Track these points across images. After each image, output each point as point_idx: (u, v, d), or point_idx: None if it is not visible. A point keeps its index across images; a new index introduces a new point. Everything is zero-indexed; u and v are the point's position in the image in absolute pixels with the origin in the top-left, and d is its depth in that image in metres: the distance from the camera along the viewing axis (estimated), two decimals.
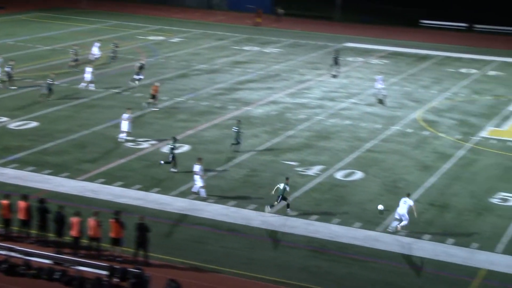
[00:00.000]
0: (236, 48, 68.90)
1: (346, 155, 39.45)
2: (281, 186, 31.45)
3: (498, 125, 46.18)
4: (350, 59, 65.87)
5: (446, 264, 27.47)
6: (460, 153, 40.47)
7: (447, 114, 48.33)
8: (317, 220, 30.95)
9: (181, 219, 30.61)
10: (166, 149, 37.42)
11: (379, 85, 51.04)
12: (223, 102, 49.23)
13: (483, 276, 26.66)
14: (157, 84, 47.51)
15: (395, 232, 29.86)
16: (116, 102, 47.65)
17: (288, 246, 28.55)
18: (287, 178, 32.04)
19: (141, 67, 52.51)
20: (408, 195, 30.28)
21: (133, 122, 40.21)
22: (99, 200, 31.84)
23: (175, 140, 36.46)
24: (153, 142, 39.86)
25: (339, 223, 30.70)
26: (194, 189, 32.83)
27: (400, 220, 29.89)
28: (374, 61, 65.24)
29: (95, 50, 58.43)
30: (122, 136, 39.72)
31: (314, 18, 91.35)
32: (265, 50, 68.56)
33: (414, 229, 30.21)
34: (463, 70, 62.60)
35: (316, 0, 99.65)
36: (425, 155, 39.99)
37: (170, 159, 35.64)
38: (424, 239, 29.45)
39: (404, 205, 29.76)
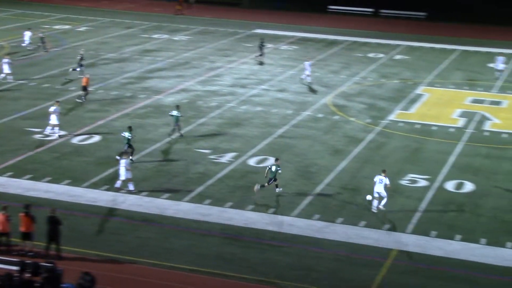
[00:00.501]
0: (145, 36, 68.18)
1: (258, 141, 39.63)
2: (273, 168, 31.95)
3: (405, 108, 47.20)
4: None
5: (359, 246, 27.96)
6: (370, 136, 41.20)
7: (357, 99, 49.11)
8: (231, 207, 31.01)
9: (93, 210, 30.17)
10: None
11: (307, 71, 51.58)
12: (133, 91, 48.70)
13: (394, 256, 27.26)
14: (87, 75, 46.66)
15: (378, 212, 30.63)
16: (23, 94, 46.53)
17: (203, 234, 28.52)
18: (277, 159, 32.75)
19: (82, 58, 51.71)
20: (384, 172, 31.14)
21: (58, 114, 39.09)
22: (7, 194, 31.07)
23: (130, 129, 36.09)
24: (63, 133, 39.07)
25: (253, 210, 30.84)
26: (117, 185, 32.14)
27: (380, 198, 30.70)
28: (284, 47, 65.67)
29: (27, 38, 57.85)
30: (51, 130, 38.66)
31: (223, 5, 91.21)
32: (174, 38, 68.10)
33: (326, 213, 30.64)
34: (371, 55, 63.70)
35: None
36: (336, 139, 40.55)
37: (126, 148, 35.37)
38: (337, 223, 29.88)
39: (380, 184, 30.75)
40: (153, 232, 28.47)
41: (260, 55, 59.72)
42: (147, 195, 31.84)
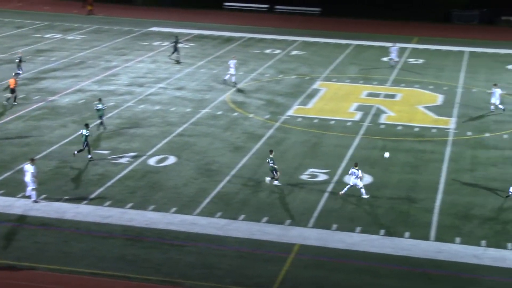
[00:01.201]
0: (37, 36, 66.63)
1: (158, 140, 39.37)
2: (271, 162, 33.44)
3: (303, 103, 47.82)
4: (156, 43, 65.70)
5: (262, 242, 28.18)
6: (270, 132, 41.56)
7: (255, 95, 49.43)
8: (132, 208, 30.72)
9: None
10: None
11: (231, 69, 51.29)
12: (27, 92, 47.54)
13: (297, 250, 27.61)
14: (14, 77, 45.37)
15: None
16: None
17: (104, 237, 28.13)
18: (270, 151, 33.90)
19: (20, 61, 50.09)
20: (356, 165, 32.15)
21: None
22: None
23: (87, 126, 35.94)
24: None
25: (154, 210, 30.64)
26: (28, 193, 31.22)
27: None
28: (181, 45, 65.36)
29: None
30: None
31: (117, 3, 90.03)
32: (68, 37, 66.82)
33: (229, 210, 30.75)
34: (268, 51, 64.23)
35: None
36: (236, 136, 40.72)
37: (84, 146, 35.44)
38: (239, 220, 30.03)
39: (353, 176, 32.11)
40: (52, 237, 27.89)
41: (174, 52, 59.07)
42: (45, 199, 31.14)
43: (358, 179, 32.19)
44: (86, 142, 35.73)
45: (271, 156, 33.79)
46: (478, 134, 41.83)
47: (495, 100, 46.09)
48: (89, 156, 35.88)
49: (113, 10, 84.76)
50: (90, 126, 37.57)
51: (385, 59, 61.23)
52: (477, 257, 27.38)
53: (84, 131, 35.79)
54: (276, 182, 33.67)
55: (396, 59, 59.45)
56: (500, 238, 28.99)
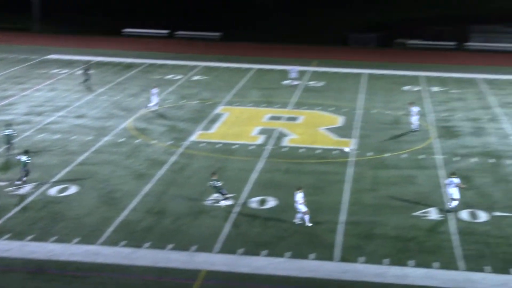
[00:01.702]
0: None
1: (58, 170, 38.63)
2: (214, 183, 33.88)
3: (206, 128, 47.89)
4: (54, 71, 64.68)
5: (167, 269, 27.96)
6: (173, 158, 41.41)
7: (157, 121, 49.20)
8: (32, 240, 29.98)
9: None
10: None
11: (154, 98, 51.11)
12: None
13: (203, 277, 27.51)
14: None
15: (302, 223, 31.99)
16: None
17: (3, 271, 27.33)
18: (213, 173, 34.26)
19: None
20: (299, 189, 32.09)
21: None
22: None
23: (27, 152, 36.51)
24: None
25: (56, 241, 30.00)
26: None
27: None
28: (80, 72, 64.56)
29: None
30: None
31: (11, 30, 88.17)
32: None
33: (133, 238, 30.42)
34: (169, 77, 64.13)
35: (11, 11, 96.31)
36: (139, 163, 40.38)
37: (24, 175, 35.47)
38: (144, 248, 29.73)
39: (297, 201, 32.10)
40: None
41: (86, 80, 58.26)
42: None
43: (301, 204, 32.18)
44: (25, 170, 35.80)
45: (213, 178, 34.08)
46: (379, 154, 42.81)
47: (414, 118, 47.38)
48: (24, 180, 35.93)
49: (8, 37, 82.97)
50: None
51: (286, 82, 62.09)
52: (380, 276, 27.93)
53: (23, 158, 35.80)
54: (227, 202, 34.18)
55: (295, 82, 60.51)
56: (402, 255, 29.66)
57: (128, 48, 78.60)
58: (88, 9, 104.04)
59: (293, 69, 61.39)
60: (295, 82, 61.35)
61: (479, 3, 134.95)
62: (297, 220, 32.34)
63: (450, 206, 34.03)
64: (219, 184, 34.41)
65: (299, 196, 32.18)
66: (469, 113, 53.22)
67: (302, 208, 32.15)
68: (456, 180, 33.95)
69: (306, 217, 32.12)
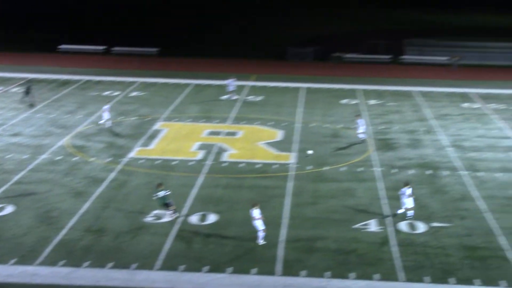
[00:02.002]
0: None
1: None
2: (160, 194, 33.45)
3: (145, 145, 47.60)
4: None
5: None
6: (112, 175, 41.02)
7: (95, 138, 48.71)
8: None
9: None
10: None
11: (105, 115, 50.54)
12: None
13: None
14: None
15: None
16: None
17: None
18: (159, 184, 34.17)
19: None
20: (255, 205, 31.69)
21: None
22: None
23: None
24: None
25: None
26: None
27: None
28: (15, 89, 63.62)
29: None
30: None
31: None
32: None
33: (72, 257, 30.01)
34: (106, 93, 63.60)
35: None
36: (77, 181, 39.89)
37: None
38: (83, 267, 29.35)
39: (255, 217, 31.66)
40: None
41: (26, 97, 57.34)
42: None
43: (258, 220, 31.94)
44: None
45: (159, 189, 33.98)
46: (318, 168, 43.13)
47: (361, 130, 48.29)
48: None
49: None
50: None
51: (224, 97, 62.19)
52: None
53: None
54: (173, 214, 34.19)
55: (235, 97, 60.79)
56: (343, 268, 29.90)
57: (64, 65, 77.73)
58: (24, 26, 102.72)
59: (231, 82, 61.80)
60: (235, 96, 61.53)
61: (413, 17, 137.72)
62: (260, 241, 32.03)
63: (408, 215, 34.93)
64: (168, 192, 34.17)
65: (256, 213, 31.91)
66: (405, 125, 54.07)
67: (260, 225, 31.85)
68: (409, 191, 34.83)
69: (261, 235, 31.92)
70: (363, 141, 48.46)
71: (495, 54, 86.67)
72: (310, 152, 41.45)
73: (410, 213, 34.99)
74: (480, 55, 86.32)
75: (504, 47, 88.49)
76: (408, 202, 34.84)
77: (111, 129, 50.69)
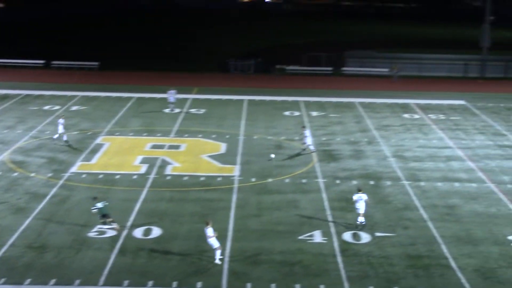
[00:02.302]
0: None
1: None
2: (99, 205, 33.87)
3: (87, 159, 47.04)
4: None
5: None
6: (53, 191, 40.44)
7: (36, 153, 47.99)
8: None
9: None
10: None
11: (60, 127, 50.15)
12: None
13: None
14: None
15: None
16: None
17: None
18: (95, 198, 34.72)
19: None
20: (208, 223, 31.14)
21: None
22: None
23: None
24: None
25: None
26: None
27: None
28: None
29: None
30: None
31: None
32: None
33: (12, 275, 29.45)
34: (46, 107, 62.76)
35: None
36: (18, 197, 39.22)
37: None
38: (25, 284, 28.84)
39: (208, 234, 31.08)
40: None
41: None
42: None
43: (212, 238, 31.52)
44: None
45: (97, 204, 34.03)
46: (262, 180, 43.22)
47: (308, 140, 49.01)
48: None
49: None
50: None
51: (167, 110, 61.95)
52: None
53: None
54: (114, 227, 33.99)
55: (177, 110, 61.29)
56: (288, 279, 29.98)
57: (3, 79, 76.48)
58: None
59: (171, 93, 62.16)
60: (176, 110, 61.42)
61: (352, 29, 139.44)
62: (217, 259, 31.63)
63: (360, 222, 35.55)
64: (106, 203, 33.89)
65: (210, 231, 31.51)
66: (348, 136, 54.58)
67: (215, 243, 31.47)
68: (364, 196, 35.66)
69: (217, 253, 31.59)
70: (312, 152, 49.00)
71: (432, 66, 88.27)
72: (272, 156, 42.78)
73: (362, 219, 35.71)
74: (418, 66, 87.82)
75: (441, 59, 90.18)
76: (362, 207, 35.55)
77: (67, 143, 50.15)
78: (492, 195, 41.37)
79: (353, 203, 36.07)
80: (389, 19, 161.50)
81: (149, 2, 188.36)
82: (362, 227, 35.47)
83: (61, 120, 50.93)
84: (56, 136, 50.87)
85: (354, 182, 42.92)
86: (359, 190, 36.25)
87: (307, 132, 49.41)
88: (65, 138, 50.63)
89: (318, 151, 49.69)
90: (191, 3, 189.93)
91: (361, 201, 35.60)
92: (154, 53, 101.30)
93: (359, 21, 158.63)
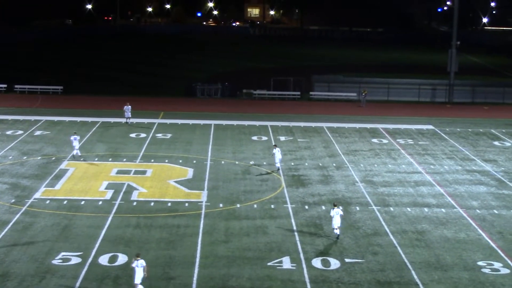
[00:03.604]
0: None
1: None
2: None
3: (51, 185, 46.65)
4: None
5: None
6: (16, 217, 40.00)
7: None
8: None
9: None
10: None
11: (75, 144, 53.30)
12: None
13: None
14: None
15: None
16: None
17: None
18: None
19: None
20: (138, 255, 30.56)
21: None
22: None
23: None
24: None
25: None
26: None
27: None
28: None
29: None
30: None
31: None
32: None
33: None
34: (9, 132, 62.20)
35: None
36: None
37: None
38: None
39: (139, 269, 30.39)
40: None
41: None
42: None
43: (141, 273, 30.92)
44: None
45: None
46: (230, 206, 43.17)
47: (277, 159, 50.67)
48: None
49: None
50: None
51: (133, 135, 61.75)
52: None
53: None
54: None
55: (130, 121, 65.92)
56: None
57: None
58: None
59: (127, 108, 66.03)
60: (130, 121, 65.74)
61: (319, 54, 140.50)
62: None
63: (337, 234, 37.57)
64: None
65: (140, 263, 30.87)
66: (316, 161, 54.80)
67: (137, 278, 30.74)
68: (340, 211, 37.72)
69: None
70: (278, 170, 50.34)
71: (400, 90, 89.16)
72: (251, 162, 43.61)
73: (338, 232, 37.57)
74: (386, 91, 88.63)
75: (409, 83, 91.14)
76: (338, 221, 37.41)
77: (79, 158, 52.87)
78: (461, 220, 41.74)
79: (320, 229, 36.15)
80: (357, 44, 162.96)
81: (115, 27, 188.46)
82: (337, 238, 37.37)
83: (74, 137, 53.62)
84: (75, 152, 53.40)
85: (323, 207, 43.05)
86: (334, 205, 37.84)
87: (277, 151, 50.77)
88: (79, 153, 53.65)
89: (287, 176, 49.80)
90: (155, 28, 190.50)
91: (337, 215, 37.38)
92: (120, 78, 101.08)
93: (327, 46, 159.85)
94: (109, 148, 57.51)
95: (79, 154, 53.44)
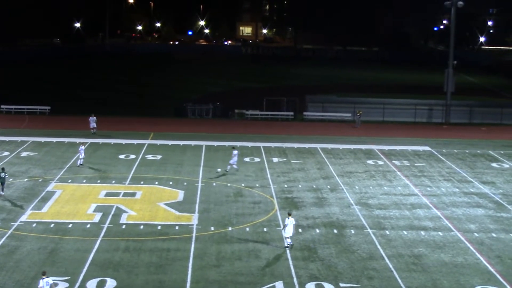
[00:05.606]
0: None
1: None
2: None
3: (38, 208, 46.56)
4: None
5: None
6: (1, 241, 39.88)
7: None
8: None
9: None
10: None
11: (81, 154, 58.06)
12: None
13: None
14: None
15: None
16: None
17: None
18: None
19: None
20: (44, 273, 30.95)
21: None
22: None
23: (3, 170, 47.85)
24: None
25: None
26: None
27: None
28: None
29: None
30: None
31: None
32: None
33: None
34: None
35: None
36: None
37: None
38: None
39: None
40: None
41: None
42: None
43: None
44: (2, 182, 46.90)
45: None
46: (221, 229, 43.12)
47: (233, 161, 55.45)
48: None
49: None
50: None
51: (122, 156, 61.70)
52: None
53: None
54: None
55: (94, 126, 71.18)
56: None
57: None
58: None
59: (92, 119, 70.40)
60: (93, 130, 69.95)
61: (313, 74, 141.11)
62: None
63: (289, 243, 39.66)
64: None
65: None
66: (310, 183, 54.83)
67: None
68: (293, 221, 39.55)
69: None
70: (237, 170, 54.77)
71: (396, 111, 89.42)
72: (218, 170, 45.62)
73: (290, 241, 39.64)
74: (381, 111, 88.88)
75: (404, 104, 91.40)
76: (290, 231, 39.11)
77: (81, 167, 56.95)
78: (458, 244, 41.77)
79: (314, 253, 36.04)
80: (351, 63, 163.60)
81: (104, 46, 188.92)
82: (291, 247, 38.90)
83: (82, 147, 58.66)
84: (80, 162, 57.78)
85: (317, 230, 43.04)
86: (289, 214, 39.72)
87: (236, 152, 55.85)
88: (82, 162, 58.02)
89: (280, 199, 49.81)
90: (145, 48, 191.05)
91: (291, 225, 39.33)
92: (109, 98, 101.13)
93: (320, 65, 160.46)
94: (97, 170, 57.45)
95: (81, 163, 57.85)
